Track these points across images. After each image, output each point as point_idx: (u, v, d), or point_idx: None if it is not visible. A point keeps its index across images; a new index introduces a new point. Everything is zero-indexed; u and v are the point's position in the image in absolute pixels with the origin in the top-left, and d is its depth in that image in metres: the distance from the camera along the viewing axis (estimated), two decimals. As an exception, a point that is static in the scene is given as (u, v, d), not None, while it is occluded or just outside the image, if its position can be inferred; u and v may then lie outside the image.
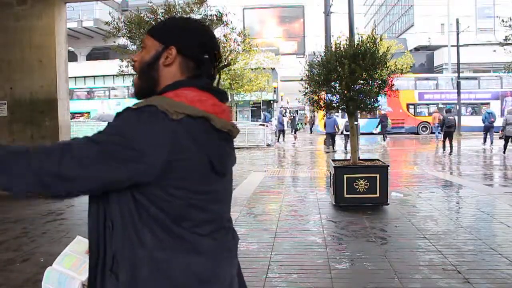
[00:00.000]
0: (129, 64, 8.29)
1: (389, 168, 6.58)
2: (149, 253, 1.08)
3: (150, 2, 8.68)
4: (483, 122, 18.01)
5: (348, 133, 18.03)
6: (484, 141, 17.27)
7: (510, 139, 13.19)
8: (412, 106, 27.58)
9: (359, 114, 12.71)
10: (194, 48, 1.21)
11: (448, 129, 14.53)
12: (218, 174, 1.15)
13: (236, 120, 28.68)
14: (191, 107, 1.09)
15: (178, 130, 1.06)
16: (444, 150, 14.94)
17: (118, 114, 1.09)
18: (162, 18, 7.84)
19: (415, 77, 29.67)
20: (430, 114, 27.10)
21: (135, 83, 1.25)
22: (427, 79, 29.33)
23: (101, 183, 1.06)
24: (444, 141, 14.96)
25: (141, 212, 1.08)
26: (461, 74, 27.71)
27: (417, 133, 27.08)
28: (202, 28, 1.25)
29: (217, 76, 1.29)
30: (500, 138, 14.00)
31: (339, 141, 18.38)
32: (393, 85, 6.86)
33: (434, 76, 30.29)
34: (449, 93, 27.70)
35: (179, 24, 1.24)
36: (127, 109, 1.09)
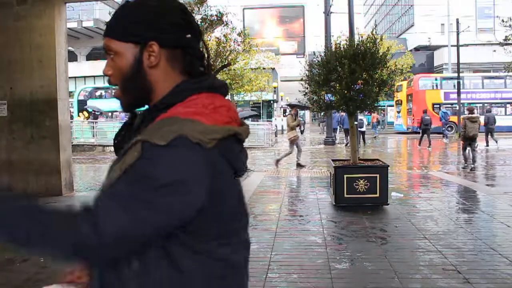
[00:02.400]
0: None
1: (389, 168, 6.59)
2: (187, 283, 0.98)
3: (150, 2, 8.73)
4: (440, 120, 22.60)
5: (362, 129, 19.90)
6: (444, 137, 21.40)
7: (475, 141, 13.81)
8: (438, 106, 27.01)
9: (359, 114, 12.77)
10: (174, 33, 1.00)
11: (425, 127, 17.96)
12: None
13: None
14: (221, 128, 0.95)
15: (214, 158, 0.94)
16: (420, 145, 18.07)
17: (144, 153, 0.91)
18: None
19: (441, 77, 29.45)
20: (454, 114, 27.17)
21: (120, 99, 1.05)
22: (452, 78, 29.01)
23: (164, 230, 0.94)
24: (421, 138, 18.10)
25: (176, 243, 0.97)
26: (487, 74, 27.55)
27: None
28: (171, 6, 1.02)
29: (205, 51, 1.09)
30: None
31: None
32: (393, 85, 6.86)
33: (460, 76, 30.12)
34: (475, 92, 27.56)
35: (144, 12, 1.00)
36: (153, 147, 0.90)
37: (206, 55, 1.07)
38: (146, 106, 1.07)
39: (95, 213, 0.89)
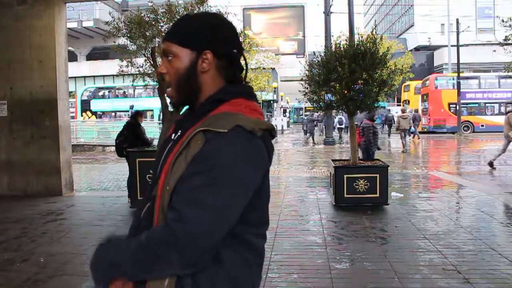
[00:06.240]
0: (129, 64, 8.23)
1: (389, 168, 6.59)
2: (226, 271, 1.10)
3: (151, 2, 8.64)
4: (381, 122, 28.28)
5: (341, 126, 23.98)
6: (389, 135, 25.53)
7: (407, 131, 17.17)
8: (454, 106, 26.79)
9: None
10: (226, 46, 1.18)
11: (389, 122, 24.92)
12: None
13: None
14: (263, 122, 1.13)
15: (262, 145, 1.11)
16: (389, 136, 24.18)
17: (208, 140, 1.05)
18: (162, 18, 7.83)
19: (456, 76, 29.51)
20: (470, 113, 27.18)
21: (172, 95, 1.20)
22: (468, 78, 28.59)
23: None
24: (388, 132, 25.05)
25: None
26: (504, 73, 27.38)
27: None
28: (224, 23, 1.20)
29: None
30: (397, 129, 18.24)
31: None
32: (393, 85, 6.86)
33: (476, 75, 29.70)
34: (491, 92, 27.52)
35: (204, 25, 1.17)
36: (216, 134, 1.05)
37: (245, 68, 1.24)
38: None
39: (183, 223, 1.00)
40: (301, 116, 50.41)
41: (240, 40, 1.23)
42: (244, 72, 1.24)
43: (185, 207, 1.01)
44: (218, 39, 1.16)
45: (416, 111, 24.83)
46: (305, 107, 46.35)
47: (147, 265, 1.03)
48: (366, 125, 8.76)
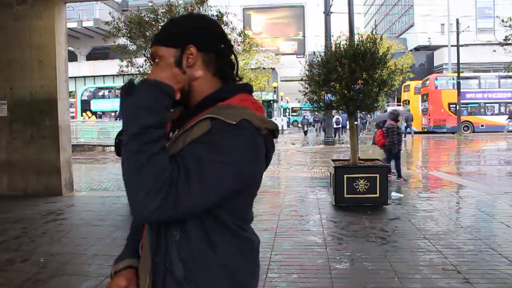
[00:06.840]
0: (129, 64, 8.25)
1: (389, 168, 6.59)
2: (221, 258, 1.12)
3: (151, 2, 8.65)
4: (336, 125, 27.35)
5: (338, 126, 23.99)
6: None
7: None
8: (454, 106, 26.65)
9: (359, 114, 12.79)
10: (210, 41, 1.19)
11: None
12: None
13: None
14: (269, 121, 1.14)
15: (263, 146, 1.12)
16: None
17: (214, 128, 1.05)
18: (162, 18, 7.85)
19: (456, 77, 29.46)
20: (470, 113, 27.19)
21: None
22: (468, 78, 28.43)
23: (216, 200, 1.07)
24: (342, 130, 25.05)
25: (213, 219, 1.11)
26: (504, 73, 27.13)
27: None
28: (210, 23, 1.22)
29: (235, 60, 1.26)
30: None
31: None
32: (393, 85, 6.86)
33: (476, 75, 29.62)
34: (491, 92, 27.50)
35: (186, 24, 1.19)
36: (223, 124, 1.05)
37: (236, 65, 1.25)
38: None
39: (177, 189, 0.98)
40: (288, 117, 49.99)
41: (233, 38, 1.25)
42: (235, 69, 1.25)
43: (185, 177, 1.00)
44: (201, 35, 1.17)
45: (409, 110, 24.90)
46: (292, 108, 45.95)
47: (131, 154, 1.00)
48: (391, 126, 8.69)
